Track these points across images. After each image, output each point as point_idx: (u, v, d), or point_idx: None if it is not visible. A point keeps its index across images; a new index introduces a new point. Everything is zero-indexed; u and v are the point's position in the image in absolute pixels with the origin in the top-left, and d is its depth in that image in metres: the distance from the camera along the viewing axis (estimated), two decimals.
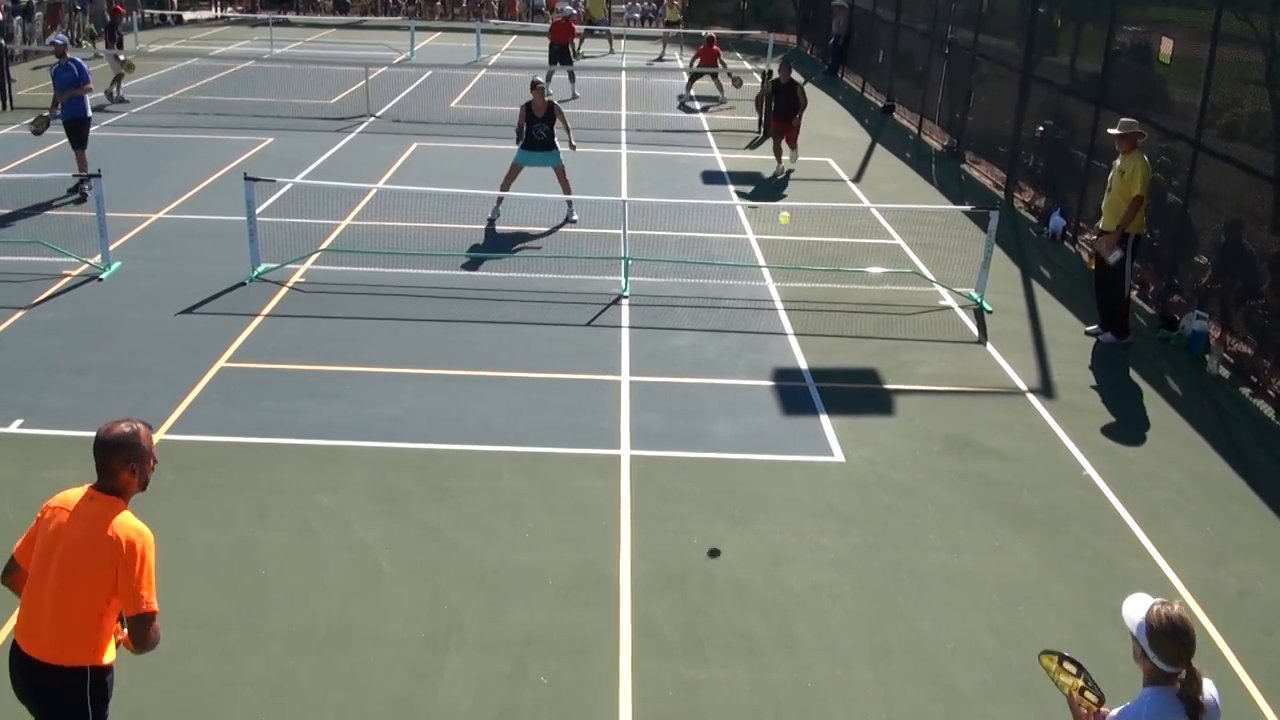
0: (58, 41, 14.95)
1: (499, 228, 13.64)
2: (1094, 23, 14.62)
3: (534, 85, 13.98)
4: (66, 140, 14.53)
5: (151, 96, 22.00)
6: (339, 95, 22.87)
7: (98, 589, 4.14)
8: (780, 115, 17.76)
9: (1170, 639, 3.66)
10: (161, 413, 8.47)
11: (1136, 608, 3.78)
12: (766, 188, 16.48)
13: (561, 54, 25.56)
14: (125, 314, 10.46)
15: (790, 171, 17.47)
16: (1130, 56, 13.46)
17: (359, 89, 22.23)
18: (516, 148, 13.96)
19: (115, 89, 21.41)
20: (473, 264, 12.33)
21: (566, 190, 13.98)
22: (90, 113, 14.63)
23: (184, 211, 13.98)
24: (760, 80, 21.38)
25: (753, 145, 19.55)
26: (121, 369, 9.26)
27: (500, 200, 13.76)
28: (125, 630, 4.25)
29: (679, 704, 5.66)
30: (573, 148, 14.32)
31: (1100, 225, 10.74)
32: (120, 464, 4.25)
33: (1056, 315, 11.54)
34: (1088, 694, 4.13)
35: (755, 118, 21.06)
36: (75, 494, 4.33)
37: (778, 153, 17.57)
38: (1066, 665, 4.21)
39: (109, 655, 4.26)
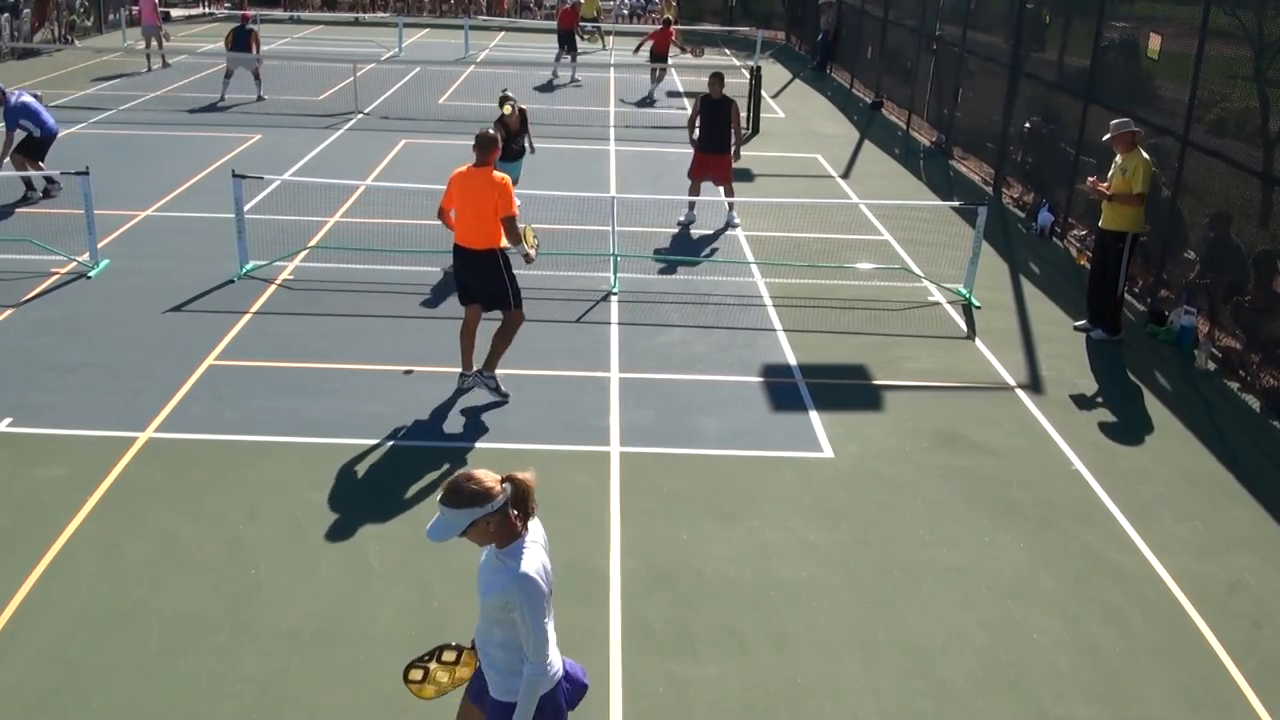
0: None
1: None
2: (1082, 18, 14.65)
3: (504, 100, 12.59)
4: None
5: (139, 94, 21.92)
6: (327, 92, 22.81)
7: (494, 208, 8.31)
8: (708, 145, 13.64)
9: (526, 497, 3.98)
10: (150, 411, 8.45)
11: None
12: (757, 184, 16.46)
13: (568, 40, 25.79)
14: (114, 312, 10.42)
15: (736, 225, 13.97)
16: (1118, 52, 13.49)
17: (347, 85, 22.17)
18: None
19: (259, 87, 21.84)
20: None
21: None
22: (49, 132, 13.93)
23: (172, 209, 13.93)
24: (748, 78, 21.39)
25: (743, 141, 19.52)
26: (110, 367, 9.23)
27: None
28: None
29: (669, 700, 5.66)
30: (532, 151, 13.24)
31: (1100, 224, 10.76)
32: (495, 148, 8.47)
33: (1045, 311, 11.57)
34: (454, 670, 4.27)
35: (744, 115, 21.06)
36: (465, 169, 8.49)
37: (694, 191, 13.87)
38: (433, 666, 4.27)
39: (503, 243, 8.48)
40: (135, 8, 35.61)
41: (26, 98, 13.86)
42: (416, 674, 4.25)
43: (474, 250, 8.49)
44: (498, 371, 8.88)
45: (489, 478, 3.89)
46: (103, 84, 22.97)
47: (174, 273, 11.49)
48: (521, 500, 3.96)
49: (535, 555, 3.95)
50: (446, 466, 7.80)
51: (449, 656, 4.28)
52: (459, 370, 9.02)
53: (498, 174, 8.39)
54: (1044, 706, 5.70)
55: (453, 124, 20.11)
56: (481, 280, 8.60)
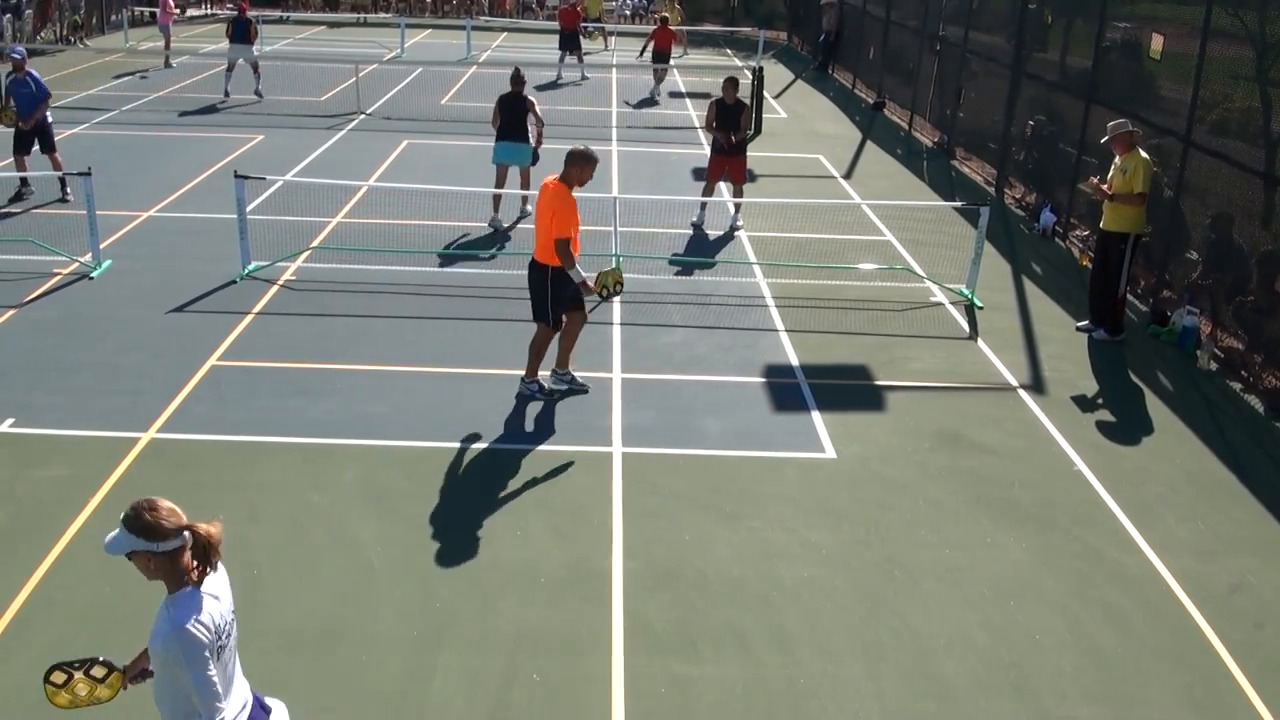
0: (15, 55, 13.84)
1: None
2: (1084, 19, 14.65)
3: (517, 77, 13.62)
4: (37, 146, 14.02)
5: (141, 94, 21.93)
6: (329, 93, 22.82)
7: (548, 225, 8.34)
8: (722, 149, 13.89)
9: (207, 552, 3.75)
10: (153, 411, 8.46)
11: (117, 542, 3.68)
12: (759, 185, 16.45)
13: (571, 40, 25.82)
14: (116, 312, 10.43)
15: (739, 227, 14.03)
16: (1120, 52, 13.48)
17: (349, 86, 22.18)
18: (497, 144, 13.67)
19: (257, 84, 21.94)
20: (463, 261, 12.31)
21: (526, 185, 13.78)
22: (49, 118, 14.09)
23: (174, 209, 13.94)
24: (750, 78, 21.39)
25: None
26: (112, 367, 9.24)
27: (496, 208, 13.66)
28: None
29: (671, 701, 5.66)
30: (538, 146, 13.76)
31: (1102, 225, 10.75)
32: (574, 164, 8.40)
33: (1047, 311, 11.56)
34: (95, 687, 4.01)
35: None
36: (552, 184, 8.45)
37: (708, 193, 14.13)
38: (78, 675, 4.01)
39: (558, 262, 8.40)
40: (153, 9, 35.96)
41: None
42: (59, 677, 3.99)
43: (532, 259, 8.68)
44: (542, 373, 9.11)
45: (170, 518, 3.65)
46: (121, 80, 23.23)
47: (176, 273, 11.50)
48: (202, 553, 3.73)
49: (201, 607, 3.71)
50: (448, 467, 7.81)
51: (98, 672, 4.01)
52: (522, 374, 9.15)
53: (560, 184, 8.45)
54: (1046, 707, 5.70)
55: (455, 124, 20.12)
56: (531, 289, 8.77)
